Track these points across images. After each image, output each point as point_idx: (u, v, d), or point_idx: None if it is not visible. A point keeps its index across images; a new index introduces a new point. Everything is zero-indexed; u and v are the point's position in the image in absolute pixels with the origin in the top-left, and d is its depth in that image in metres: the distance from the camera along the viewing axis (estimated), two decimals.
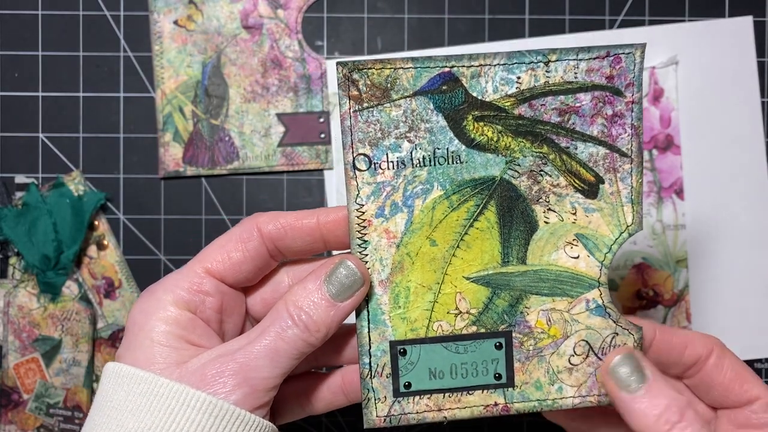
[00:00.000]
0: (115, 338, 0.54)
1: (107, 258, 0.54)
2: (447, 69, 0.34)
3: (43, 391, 0.52)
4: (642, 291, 0.54)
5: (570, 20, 0.55)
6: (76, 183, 0.54)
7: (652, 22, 0.55)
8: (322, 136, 0.54)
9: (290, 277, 0.36)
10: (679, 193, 0.54)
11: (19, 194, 0.54)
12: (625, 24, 0.55)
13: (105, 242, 0.54)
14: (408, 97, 0.34)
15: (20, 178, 0.54)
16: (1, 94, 0.54)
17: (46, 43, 0.54)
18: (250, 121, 0.54)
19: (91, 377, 0.53)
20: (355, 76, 0.33)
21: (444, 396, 0.35)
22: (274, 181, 0.55)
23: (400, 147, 0.34)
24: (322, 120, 0.54)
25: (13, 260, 0.53)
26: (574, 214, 0.35)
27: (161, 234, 0.54)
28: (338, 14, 0.55)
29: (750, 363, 0.55)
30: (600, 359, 0.35)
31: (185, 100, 0.54)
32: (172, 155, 0.54)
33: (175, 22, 0.54)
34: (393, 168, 0.34)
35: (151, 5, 0.54)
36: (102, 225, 0.54)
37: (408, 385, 0.35)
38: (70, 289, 0.53)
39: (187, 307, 0.33)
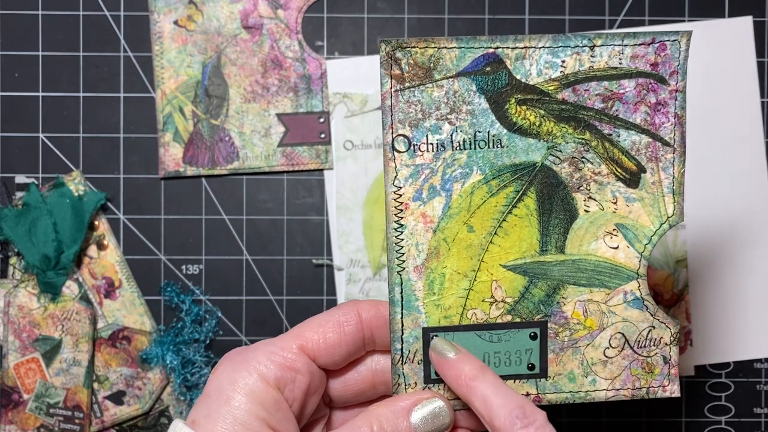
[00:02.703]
0: (116, 338, 0.54)
1: (107, 258, 0.54)
2: (492, 50, 0.33)
3: (44, 391, 0.52)
4: None
5: (570, 20, 0.55)
6: (76, 183, 0.54)
7: (652, 22, 0.55)
8: (322, 136, 0.54)
9: (374, 364, 0.36)
10: None
11: (19, 194, 0.54)
12: (625, 24, 0.55)
13: (105, 242, 0.54)
14: (451, 77, 0.33)
15: (20, 178, 0.54)
16: (1, 94, 0.54)
17: (46, 43, 0.54)
18: (250, 121, 0.54)
19: (91, 377, 0.53)
20: (398, 54, 0.33)
21: None
22: (274, 181, 0.55)
23: (441, 129, 0.33)
24: (322, 120, 0.54)
25: (13, 260, 0.53)
26: (615, 203, 0.34)
27: (161, 234, 0.54)
28: (338, 14, 0.55)
29: (750, 363, 0.55)
30: (636, 352, 0.34)
31: (185, 100, 0.54)
32: (172, 155, 0.54)
33: (175, 23, 0.54)
34: (432, 150, 0.33)
35: (151, 5, 0.54)
36: (102, 225, 0.54)
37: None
38: (70, 289, 0.53)
39: (277, 384, 0.32)
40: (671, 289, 0.54)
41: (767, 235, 0.54)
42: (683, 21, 0.55)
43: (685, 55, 0.33)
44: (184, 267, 0.55)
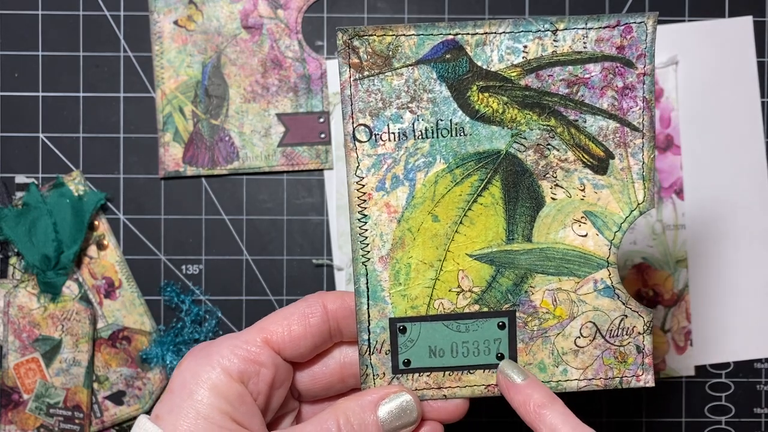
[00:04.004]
0: (116, 338, 0.54)
1: (107, 258, 0.54)
2: (451, 36, 0.32)
3: (43, 391, 0.52)
4: (642, 291, 0.54)
5: None
6: (76, 183, 0.54)
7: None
8: (322, 136, 0.54)
9: (343, 357, 0.36)
10: (679, 193, 0.54)
11: (19, 194, 0.54)
12: None
13: (105, 242, 0.54)
14: (410, 65, 0.32)
15: (20, 178, 0.54)
16: (1, 94, 0.54)
17: (46, 43, 0.54)
18: (250, 121, 0.54)
19: (91, 377, 0.53)
20: (356, 43, 0.32)
21: (444, 374, 0.34)
22: (274, 181, 0.55)
23: (402, 118, 0.33)
24: (322, 120, 0.54)
25: (13, 260, 0.53)
26: (583, 190, 0.33)
27: (161, 234, 0.54)
28: (338, 14, 0.55)
29: (750, 363, 0.55)
30: (608, 342, 0.34)
31: (185, 100, 0.54)
32: (172, 155, 0.54)
33: (175, 22, 0.54)
34: (394, 139, 0.33)
35: (151, 5, 0.54)
36: (102, 225, 0.54)
37: (407, 363, 0.34)
38: (70, 289, 0.53)
39: (240, 378, 0.32)
40: (671, 289, 0.54)
41: (767, 235, 0.54)
42: (683, 21, 0.55)
43: (652, 38, 0.33)
44: (184, 267, 0.55)
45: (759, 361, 0.55)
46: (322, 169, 0.54)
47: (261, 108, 0.54)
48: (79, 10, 0.54)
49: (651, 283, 0.54)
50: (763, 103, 0.55)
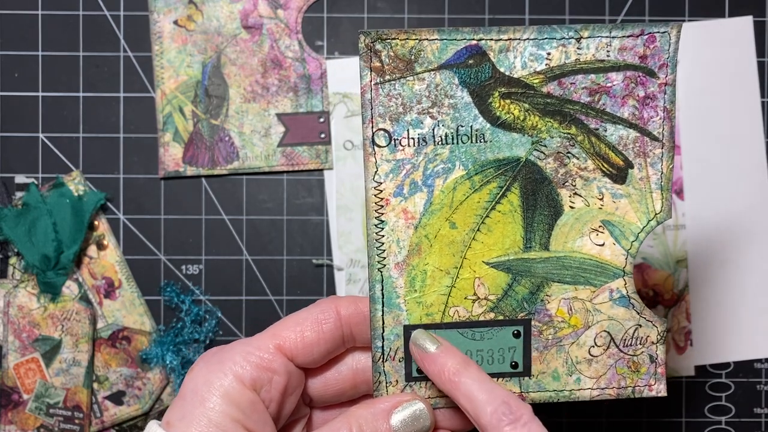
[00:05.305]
0: (115, 338, 0.54)
1: (107, 258, 0.54)
2: (474, 42, 0.32)
3: (43, 391, 0.52)
4: (642, 291, 0.54)
5: (570, 20, 0.55)
6: (76, 183, 0.54)
7: (652, 23, 0.55)
8: (322, 136, 0.54)
9: (355, 363, 0.35)
10: (679, 193, 0.54)
11: (19, 194, 0.54)
12: None
13: (105, 242, 0.54)
14: (432, 70, 0.32)
15: (20, 178, 0.54)
16: (1, 94, 0.54)
17: (46, 43, 0.54)
18: (250, 121, 0.54)
19: (91, 377, 0.53)
20: (378, 46, 0.32)
21: None
22: (274, 181, 0.55)
23: (422, 123, 0.33)
24: (322, 120, 0.54)
25: (13, 260, 0.53)
26: (601, 199, 0.33)
27: (161, 234, 0.54)
28: (338, 14, 0.55)
29: (750, 363, 0.55)
30: (622, 351, 0.34)
31: (185, 100, 0.54)
32: (172, 155, 0.54)
33: (175, 22, 0.54)
34: (414, 145, 0.33)
35: (151, 5, 0.54)
36: (102, 225, 0.54)
37: (421, 370, 0.34)
38: (70, 289, 0.53)
39: (253, 385, 0.32)
40: (671, 289, 0.54)
41: (767, 235, 0.54)
42: (683, 21, 0.55)
43: (675, 48, 0.33)
44: (184, 267, 0.55)
45: (759, 361, 0.55)
46: (322, 169, 0.54)
47: (261, 108, 0.54)
48: (79, 10, 0.54)
49: (651, 283, 0.54)
50: (763, 103, 0.55)
